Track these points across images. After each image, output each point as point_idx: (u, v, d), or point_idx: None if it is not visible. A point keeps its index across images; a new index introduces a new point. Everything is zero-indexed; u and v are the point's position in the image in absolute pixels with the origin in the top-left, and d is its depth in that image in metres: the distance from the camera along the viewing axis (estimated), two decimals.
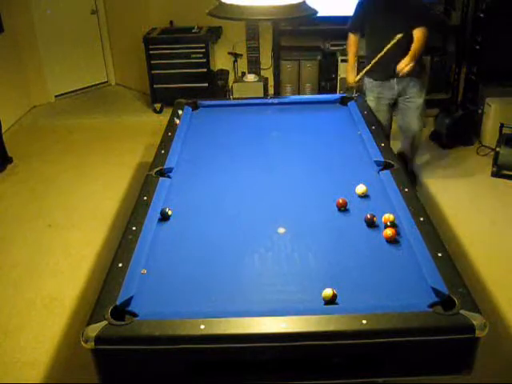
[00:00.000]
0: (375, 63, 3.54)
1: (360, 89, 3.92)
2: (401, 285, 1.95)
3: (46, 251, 3.50)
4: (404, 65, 3.49)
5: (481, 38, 4.94)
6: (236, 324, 1.73)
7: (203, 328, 1.69)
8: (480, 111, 4.83)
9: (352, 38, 3.82)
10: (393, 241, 2.18)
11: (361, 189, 2.53)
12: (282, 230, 2.30)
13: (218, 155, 3.06)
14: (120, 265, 2.02)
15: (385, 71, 3.66)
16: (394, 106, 3.85)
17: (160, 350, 1.70)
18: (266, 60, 5.73)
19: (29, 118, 5.81)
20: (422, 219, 2.27)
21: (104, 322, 1.72)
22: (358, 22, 3.75)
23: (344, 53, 5.43)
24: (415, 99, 3.72)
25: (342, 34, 5.44)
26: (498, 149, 4.24)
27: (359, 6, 3.75)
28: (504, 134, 4.30)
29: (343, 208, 2.43)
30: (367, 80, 3.81)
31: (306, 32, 5.40)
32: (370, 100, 3.79)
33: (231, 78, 5.75)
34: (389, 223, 2.24)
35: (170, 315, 1.78)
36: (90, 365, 1.73)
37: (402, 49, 3.51)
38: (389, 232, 2.18)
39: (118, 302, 1.82)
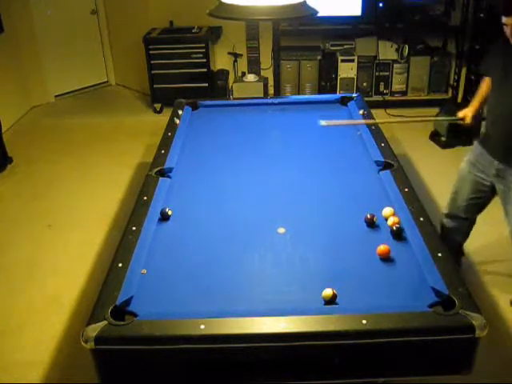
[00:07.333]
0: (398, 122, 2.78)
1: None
2: (401, 285, 1.95)
3: (46, 251, 3.50)
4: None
5: (481, 38, 4.94)
6: (236, 324, 1.73)
7: (203, 328, 1.69)
8: (480, 111, 4.80)
9: (485, 80, 2.84)
10: (387, 258, 2.08)
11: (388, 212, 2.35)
12: (281, 230, 2.30)
13: (218, 155, 3.06)
14: (120, 265, 2.02)
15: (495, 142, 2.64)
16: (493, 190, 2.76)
17: (160, 349, 1.70)
18: (266, 60, 5.72)
19: (29, 117, 5.81)
20: (421, 219, 2.27)
21: (104, 322, 1.72)
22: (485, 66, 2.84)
23: (344, 53, 5.46)
24: None
25: (342, 33, 5.51)
26: None
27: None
28: None
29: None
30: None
31: (306, 32, 5.40)
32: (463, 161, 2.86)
33: (231, 77, 5.75)
34: (394, 227, 2.21)
35: (170, 315, 1.78)
36: (90, 365, 1.73)
37: None
38: (382, 248, 2.09)
39: (117, 302, 1.82)
